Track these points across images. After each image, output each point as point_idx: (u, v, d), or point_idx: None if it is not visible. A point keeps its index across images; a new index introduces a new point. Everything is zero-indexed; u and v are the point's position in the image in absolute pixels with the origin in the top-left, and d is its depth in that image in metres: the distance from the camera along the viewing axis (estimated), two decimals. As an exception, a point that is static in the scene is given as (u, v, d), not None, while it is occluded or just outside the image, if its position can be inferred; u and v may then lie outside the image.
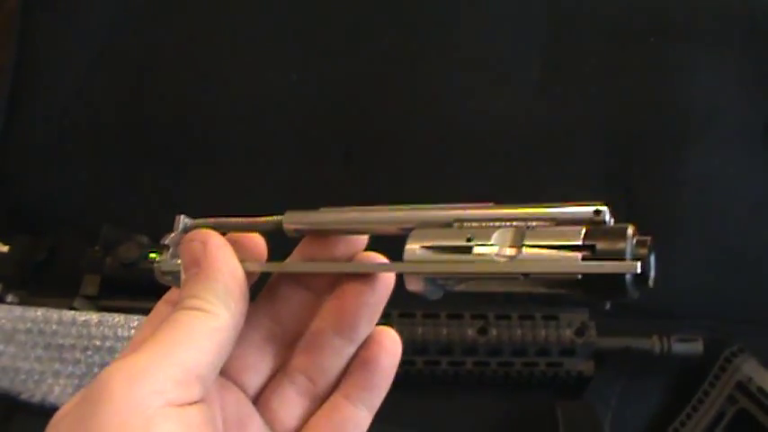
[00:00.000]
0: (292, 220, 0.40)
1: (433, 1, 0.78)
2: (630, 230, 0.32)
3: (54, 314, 0.65)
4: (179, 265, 0.40)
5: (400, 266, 0.37)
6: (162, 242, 0.41)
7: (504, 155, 0.76)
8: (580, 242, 0.32)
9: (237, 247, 0.39)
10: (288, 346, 0.43)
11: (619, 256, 0.31)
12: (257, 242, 0.41)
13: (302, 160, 0.77)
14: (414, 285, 0.36)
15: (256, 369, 0.41)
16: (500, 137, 0.76)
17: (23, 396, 0.65)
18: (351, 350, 0.41)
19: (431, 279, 0.36)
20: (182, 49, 0.79)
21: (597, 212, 0.32)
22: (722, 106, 0.75)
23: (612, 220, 0.33)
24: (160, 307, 0.42)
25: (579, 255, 0.31)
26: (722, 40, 0.76)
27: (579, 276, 0.31)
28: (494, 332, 0.69)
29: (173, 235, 0.41)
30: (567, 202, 0.34)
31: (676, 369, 0.73)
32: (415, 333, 0.69)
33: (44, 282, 0.72)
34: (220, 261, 0.38)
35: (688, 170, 0.75)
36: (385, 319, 0.67)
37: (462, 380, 0.70)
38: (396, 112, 0.77)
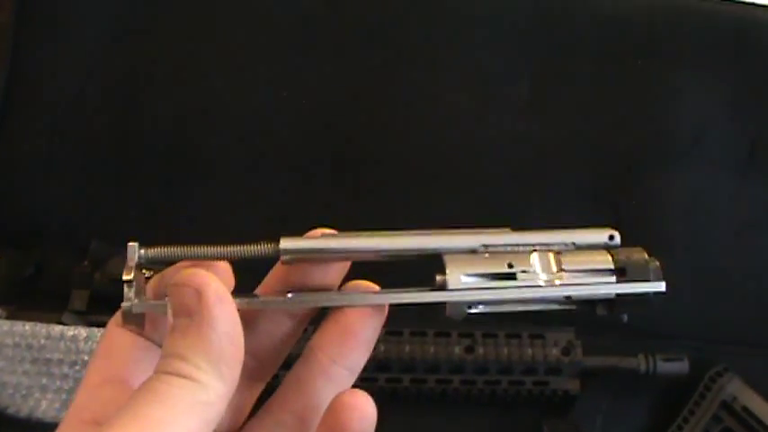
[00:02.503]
0: (292, 247, 0.35)
1: (422, 19, 0.79)
2: (646, 255, 0.37)
3: (42, 329, 0.65)
4: (152, 304, 0.35)
5: (448, 296, 0.35)
6: (124, 279, 0.35)
7: (491, 173, 0.76)
8: (612, 266, 0.36)
9: None
10: (262, 381, 0.38)
11: (646, 277, 0.36)
12: (224, 270, 0.35)
13: (290, 178, 0.78)
14: (456, 312, 0.36)
15: (230, 412, 0.36)
16: (487, 155, 0.76)
17: (10, 410, 0.65)
18: (348, 381, 0.37)
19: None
20: (172, 65, 0.79)
21: (611, 237, 0.38)
22: (708, 127, 0.76)
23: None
24: (113, 331, 0.36)
25: (614, 278, 0.36)
26: (708, 62, 0.77)
27: (614, 296, 0.36)
28: (481, 351, 0.69)
29: (130, 268, 0.35)
30: (573, 226, 0.38)
31: (662, 388, 0.73)
32: (402, 351, 0.69)
33: (32, 296, 0.72)
34: (219, 318, 0.32)
35: (674, 190, 0.76)
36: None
37: (449, 398, 0.70)
38: (384, 130, 0.77)
